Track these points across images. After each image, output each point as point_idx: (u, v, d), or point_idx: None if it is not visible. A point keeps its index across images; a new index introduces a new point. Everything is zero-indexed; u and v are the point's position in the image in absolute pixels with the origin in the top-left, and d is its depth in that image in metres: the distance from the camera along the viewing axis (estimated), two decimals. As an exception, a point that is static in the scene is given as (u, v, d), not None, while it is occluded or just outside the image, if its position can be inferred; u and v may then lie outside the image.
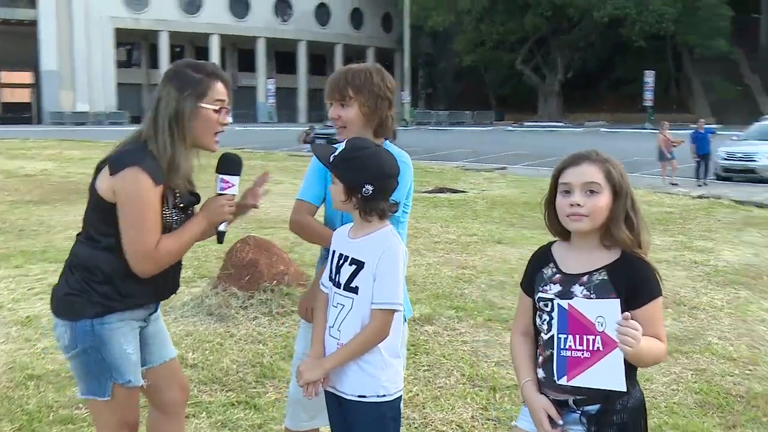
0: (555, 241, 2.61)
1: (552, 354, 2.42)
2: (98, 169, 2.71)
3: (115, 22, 63.51)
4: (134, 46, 70.86)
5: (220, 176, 2.83)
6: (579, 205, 2.39)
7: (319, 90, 76.04)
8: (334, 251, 2.71)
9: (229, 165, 2.84)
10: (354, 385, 2.60)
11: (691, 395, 4.82)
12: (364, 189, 2.51)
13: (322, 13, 75.49)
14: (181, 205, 2.77)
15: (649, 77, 54.36)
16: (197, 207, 2.89)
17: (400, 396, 2.70)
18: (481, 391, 4.85)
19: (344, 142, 2.66)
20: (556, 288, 2.46)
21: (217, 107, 2.73)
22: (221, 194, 2.82)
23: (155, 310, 2.98)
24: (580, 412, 2.42)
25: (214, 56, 66.17)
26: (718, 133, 21.46)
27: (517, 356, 2.60)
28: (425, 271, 8.11)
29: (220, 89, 2.75)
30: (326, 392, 2.70)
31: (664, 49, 60.98)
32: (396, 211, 2.66)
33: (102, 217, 2.67)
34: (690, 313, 6.69)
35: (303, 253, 8.83)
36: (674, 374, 5.15)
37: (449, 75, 77.07)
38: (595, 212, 2.38)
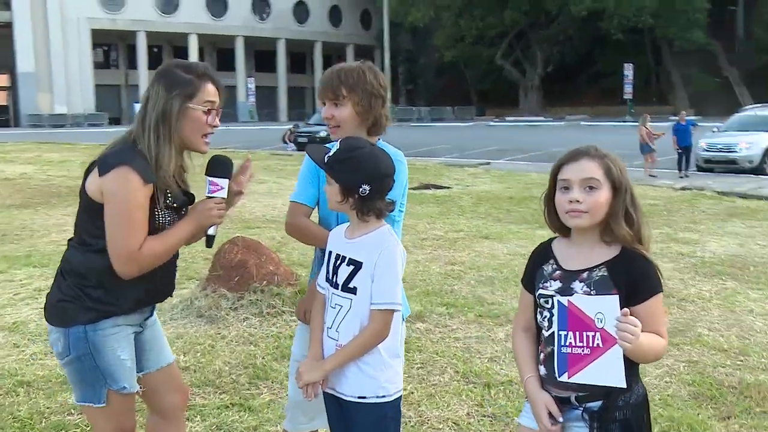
0: (555, 238, 2.60)
1: (553, 351, 2.41)
2: (88, 171, 2.68)
3: (92, 23, 62.96)
4: (111, 46, 70.28)
5: (209, 179, 2.79)
6: (578, 201, 2.38)
7: (299, 88, 76.07)
8: (330, 252, 2.69)
9: (219, 167, 2.80)
10: (354, 386, 2.59)
11: (685, 387, 4.85)
12: (361, 189, 2.49)
13: (301, 11, 75.25)
14: (174, 205, 2.74)
15: (629, 70, 54.61)
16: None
17: (400, 396, 2.69)
18: (475, 387, 4.84)
19: (338, 142, 2.62)
20: (557, 284, 2.45)
21: (206, 108, 2.69)
22: (210, 197, 2.78)
23: (150, 315, 2.95)
24: (582, 408, 2.42)
25: (193, 56, 65.78)
26: (699, 125, 21.56)
27: (519, 353, 2.59)
28: (414, 268, 8.10)
29: (210, 90, 2.71)
30: (325, 394, 2.68)
31: (642, 42, 61.34)
32: (393, 210, 2.65)
33: (93, 219, 2.63)
34: (679, 304, 6.71)
35: (290, 253, 8.80)
36: (666, 366, 5.17)
37: (430, 71, 77.09)
38: (595, 208, 2.37)
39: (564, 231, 2.53)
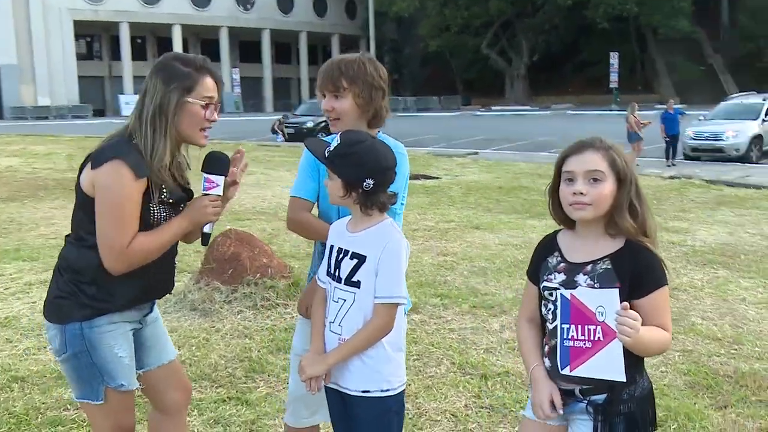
0: (560, 230, 2.58)
1: (556, 344, 2.40)
2: (82, 166, 2.64)
3: (74, 13, 62.44)
4: (94, 38, 69.76)
5: (205, 175, 2.74)
6: (582, 193, 2.36)
7: (284, 79, 75.82)
8: (332, 246, 2.66)
9: (215, 164, 2.74)
10: (357, 380, 2.57)
11: (680, 376, 4.86)
12: (365, 184, 2.47)
13: (285, 1, 74.92)
14: (170, 201, 2.69)
15: (614, 59, 54.79)
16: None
17: (404, 390, 2.67)
18: (472, 379, 4.84)
19: (337, 135, 2.59)
20: (561, 277, 2.44)
21: (204, 103, 2.65)
22: (206, 194, 2.73)
23: (150, 311, 2.92)
24: (586, 401, 2.41)
25: (177, 47, 65.38)
26: (686, 113, 21.65)
27: (524, 342, 2.59)
28: (406, 259, 8.07)
29: (208, 84, 2.67)
30: (327, 389, 2.66)
31: (627, 30, 61.51)
32: (395, 203, 2.62)
33: (88, 215, 2.60)
34: (672, 294, 6.71)
35: (282, 245, 8.77)
36: (662, 356, 5.17)
37: (415, 61, 77.03)
38: (599, 200, 2.35)
39: (569, 223, 2.52)
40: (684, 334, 5.65)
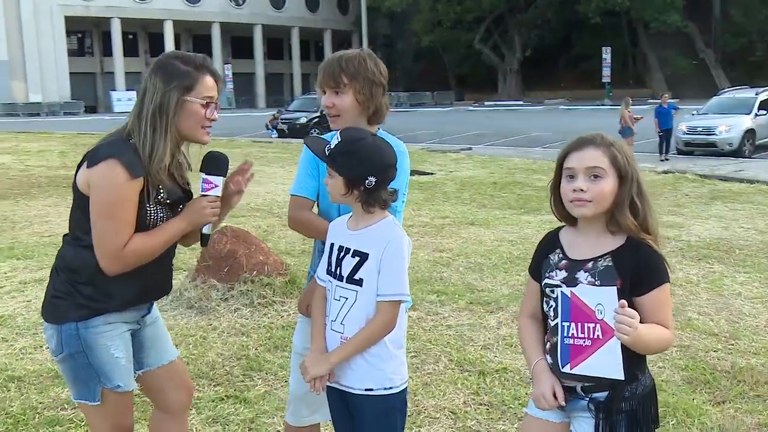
0: (563, 227, 2.57)
1: (557, 341, 2.40)
2: (80, 164, 2.62)
3: (65, 9, 62.23)
4: (86, 34, 69.54)
5: (204, 176, 2.71)
6: (582, 190, 2.35)
7: (277, 74, 75.65)
8: (332, 244, 2.65)
9: (214, 164, 2.72)
10: (360, 379, 2.56)
11: (678, 372, 4.87)
12: (367, 181, 2.46)
13: (277, -3, 74.87)
14: (168, 201, 2.66)
15: (607, 53, 54.80)
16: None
17: (406, 387, 2.66)
18: (470, 375, 4.84)
19: (337, 133, 2.58)
20: (562, 274, 2.43)
21: (204, 102, 2.63)
22: (204, 195, 2.70)
23: (148, 312, 2.89)
24: (588, 399, 2.41)
25: (169, 43, 65.29)
26: (679, 108, 21.68)
27: (525, 338, 2.58)
28: (402, 255, 8.06)
29: (208, 83, 2.65)
30: (328, 387, 2.64)
31: (619, 24, 61.58)
32: (396, 200, 2.61)
33: (84, 214, 2.57)
34: (668, 289, 6.74)
35: (277, 242, 8.76)
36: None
37: (408, 56, 76.96)
38: (599, 197, 2.34)
39: (570, 220, 2.51)
40: (681, 330, 5.65)
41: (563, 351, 2.38)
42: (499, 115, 43.27)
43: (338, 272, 2.57)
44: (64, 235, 2.75)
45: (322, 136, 2.78)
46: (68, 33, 63.86)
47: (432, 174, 16.22)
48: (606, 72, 54.83)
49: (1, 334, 5.65)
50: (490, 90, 69.06)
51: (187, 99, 2.59)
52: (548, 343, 2.47)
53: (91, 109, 61.52)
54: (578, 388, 2.42)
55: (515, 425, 4.12)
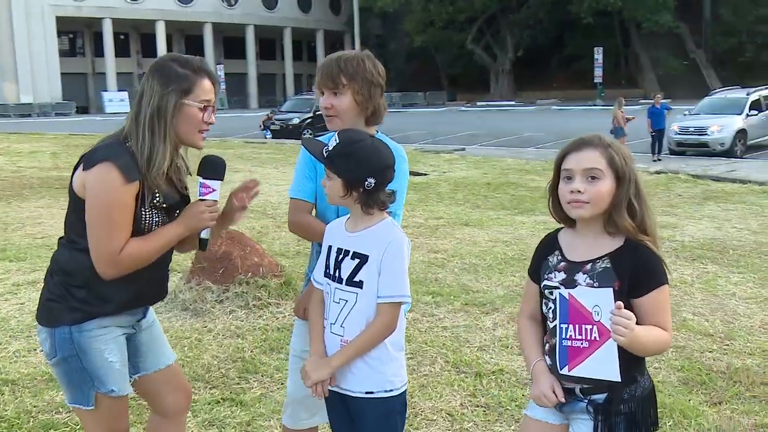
0: (562, 228, 2.57)
1: (556, 343, 2.40)
2: (75, 168, 2.60)
3: (56, 10, 61.97)
4: (77, 34, 69.25)
5: (201, 180, 2.69)
6: (579, 191, 2.35)
7: (269, 75, 75.52)
8: (330, 246, 2.63)
9: (211, 168, 2.70)
10: (361, 382, 2.54)
11: (674, 373, 4.87)
12: (366, 183, 2.45)
13: (270, -3, 74.77)
14: (164, 205, 2.64)
15: (599, 54, 54.90)
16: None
17: (406, 389, 2.65)
18: (467, 377, 4.83)
19: (334, 134, 2.57)
20: (561, 276, 2.43)
21: (202, 106, 2.61)
22: (202, 199, 2.69)
23: (144, 316, 2.88)
24: (587, 401, 2.41)
25: (161, 43, 65.11)
26: (672, 108, 21.76)
27: (524, 340, 2.58)
28: (397, 256, 8.06)
29: (206, 87, 2.63)
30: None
31: (611, 25, 61.72)
32: (393, 201, 2.60)
33: (79, 216, 2.55)
34: (662, 289, 6.74)
35: (271, 243, 8.74)
36: (655, 352, 5.19)
37: (400, 56, 76.91)
38: (596, 199, 2.34)
39: (569, 221, 2.51)
40: (676, 330, 5.66)
41: (561, 353, 2.37)
42: (492, 116, 43.30)
43: (337, 274, 2.56)
44: (60, 238, 2.73)
45: (318, 138, 2.77)
46: (59, 33, 63.60)
47: (426, 174, 16.23)
48: (598, 72, 54.92)
49: (-6, 337, 5.62)
50: (482, 90, 69.12)
51: (185, 102, 2.57)
52: (547, 344, 2.47)
53: (82, 110, 61.28)
54: (577, 390, 2.42)
55: (512, 427, 4.12)
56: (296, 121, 30.13)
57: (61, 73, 62.88)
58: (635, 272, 2.33)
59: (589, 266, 2.38)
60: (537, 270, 2.54)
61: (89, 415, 2.68)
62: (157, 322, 2.98)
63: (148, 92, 2.58)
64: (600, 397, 2.39)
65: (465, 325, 5.85)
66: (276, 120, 30.79)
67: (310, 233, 2.92)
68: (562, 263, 2.46)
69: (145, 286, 2.72)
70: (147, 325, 2.90)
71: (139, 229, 2.57)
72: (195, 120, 2.61)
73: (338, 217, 2.78)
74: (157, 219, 2.62)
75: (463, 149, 22.81)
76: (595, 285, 2.34)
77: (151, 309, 2.97)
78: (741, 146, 20.83)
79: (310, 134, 27.84)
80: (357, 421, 2.60)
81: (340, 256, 2.57)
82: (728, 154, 20.11)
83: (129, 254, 2.53)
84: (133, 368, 2.83)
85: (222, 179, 2.73)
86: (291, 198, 2.94)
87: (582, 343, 2.32)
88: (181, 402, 2.99)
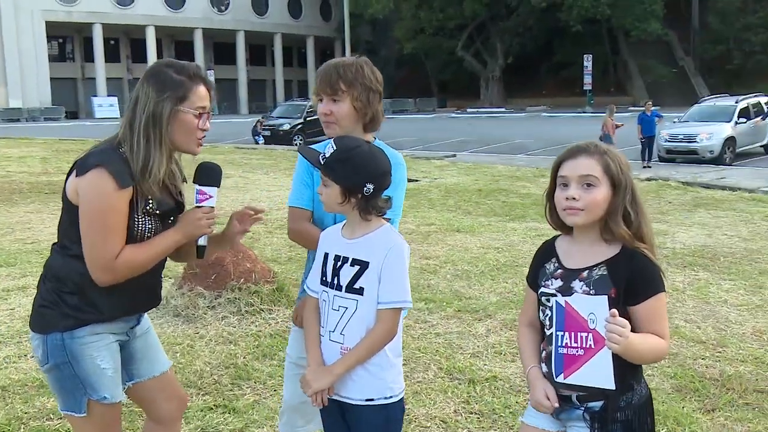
0: (559, 235, 2.58)
1: (552, 350, 2.40)
2: (69, 173, 2.58)
3: (46, 15, 61.75)
4: (67, 39, 68.99)
5: (197, 187, 2.68)
6: (575, 198, 2.35)
7: (259, 81, 75.46)
8: (326, 253, 2.62)
9: (207, 175, 2.69)
10: (361, 389, 2.53)
11: (667, 380, 4.87)
12: (365, 189, 2.45)
13: (260, 3, 74.67)
14: (157, 212, 2.62)
15: (588, 61, 55.12)
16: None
17: (403, 396, 2.65)
18: (460, 384, 4.83)
19: (330, 141, 2.56)
20: (557, 283, 2.44)
21: (197, 112, 2.60)
22: (199, 206, 2.67)
23: (137, 323, 2.86)
24: (583, 408, 2.41)
25: (151, 48, 64.98)
26: (662, 116, 21.87)
27: (522, 346, 2.59)
28: (389, 262, 8.05)
29: (202, 93, 2.61)
30: (323, 399, 2.62)
31: (600, 32, 61.97)
32: (390, 207, 2.60)
33: (72, 222, 2.54)
34: (654, 296, 6.75)
35: (263, 249, 8.72)
36: (648, 359, 5.20)
37: (390, 63, 76.82)
38: (592, 206, 2.35)
39: (566, 229, 2.51)
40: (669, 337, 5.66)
41: (557, 360, 2.38)
42: (482, 122, 43.39)
43: (336, 282, 2.55)
44: (53, 244, 2.71)
45: (314, 146, 2.77)
46: (49, 38, 63.36)
47: (417, 181, 16.21)
48: (587, 79, 55.14)
49: (-16, 343, 5.58)
50: (472, 97, 69.27)
51: (180, 109, 2.56)
52: (544, 352, 2.48)
53: (72, 115, 61.04)
54: (573, 398, 2.42)
55: (507, 434, 4.12)
56: (287, 127, 30.09)
57: (51, 78, 62.61)
58: (631, 280, 2.33)
59: (585, 273, 2.39)
60: (535, 277, 2.54)
61: (82, 422, 2.65)
62: (152, 330, 2.97)
63: (143, 98, 2.56)
64: (596, 404, 2.38)
65: (458, 332, 5.84)
66: (266, 126, 30.73)
67: (310, 241, 2.91)
68: (559, 270, 2.46)
69: (137, 294, 2.71)
70: (141, 332, 2.88)
71: (131, 236, 2.55)
72: (191, 127, 2.60)
73: (335, 223, 2.77)
74: (150, 226, 2.60)
75: (454, 156, 22.85)
76: (591, 292, 2.34)
77: (146, 316, 2.95)
78: (730, 154, 20.97)
79: (301, 140, 27.88)
80: (355, 429, 2.59)
81: (339, 263, 2.56)
82: (717, 161, 20.24)
83: (125, 261, 2.51)
84: (127, 375, 2.82)
85: (218, 186, 2.72)
86: (290, 206, 2.94)
87: (577, 351, 2.32)
88: (176, 409, 2.97)
